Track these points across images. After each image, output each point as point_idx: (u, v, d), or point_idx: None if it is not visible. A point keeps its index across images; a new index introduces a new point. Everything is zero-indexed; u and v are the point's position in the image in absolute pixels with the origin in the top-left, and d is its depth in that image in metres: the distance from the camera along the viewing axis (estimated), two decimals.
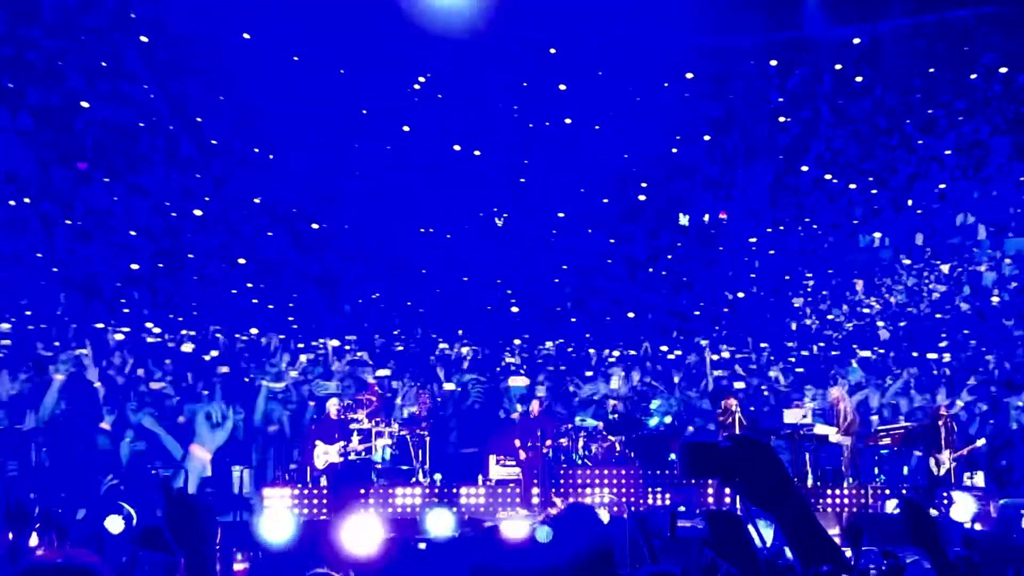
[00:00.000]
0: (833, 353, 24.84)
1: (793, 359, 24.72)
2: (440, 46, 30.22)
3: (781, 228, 30.78)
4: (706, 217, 31.36)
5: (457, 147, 31.37)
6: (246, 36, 31.92)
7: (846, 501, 14.56)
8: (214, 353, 21.58)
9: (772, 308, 28.04)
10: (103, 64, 29.07)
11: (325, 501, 13.71)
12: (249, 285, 25.24)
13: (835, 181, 31.56)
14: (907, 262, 28.98)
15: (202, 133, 29.27)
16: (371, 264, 27.34)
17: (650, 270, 29.39)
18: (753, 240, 30.57)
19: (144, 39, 30.47)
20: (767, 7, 34.17)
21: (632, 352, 24.84)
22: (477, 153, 31.62)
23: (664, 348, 25.23)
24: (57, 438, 15.03)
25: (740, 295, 28.63)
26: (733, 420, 15.29)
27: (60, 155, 25.97)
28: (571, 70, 32.52)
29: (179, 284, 24.53)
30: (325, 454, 14.40)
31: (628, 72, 32.17)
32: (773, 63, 35.12)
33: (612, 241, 29.92)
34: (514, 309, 26.85)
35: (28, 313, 21.03)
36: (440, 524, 11.20)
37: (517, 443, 15.03)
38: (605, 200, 31.22)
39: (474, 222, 30.17)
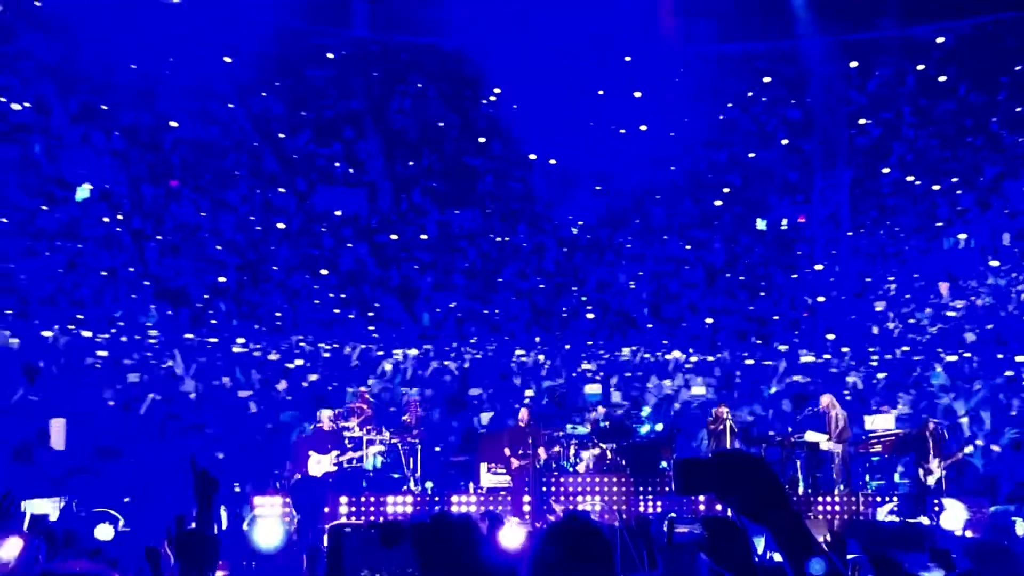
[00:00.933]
0: (916, 357, 24.45)
1: (875, 363, 24.42)
2: (510, 53, 30.60)
3: (861, 231, 30.37)
4: (784, 222, 31.09)
5: (533, 156, 31.70)
6: (329, 56, 32.78)
7: (837, 508, 14.46)
8: (299, 362, 22.22)
9: (853, 312, 27.68)
10: (190, 86, 30.09)
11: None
12: (331, 296, 25.85)
13: (918, 183, 31.02)
14: (994, 263, 28.34)
15: (284, 149, 30.09)
16: (448, 273, 27.76)
17: (727, 275, 29.25)
18: (832, 243, 30.23)
19: (227, 59, 31.45)
20: (845, 9, 33.81)
21: (710, 358, 24.81)
22: (553, 161, 31.90)
23: (744, 354, 25.17)
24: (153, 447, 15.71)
25: (820, 299, 28.33)
26: (724, 428, 15.26)
27: (150, 173, 26.96)
28: (646, 77, 32.59)
29: (264, 295, 25.25)
30: (318, 464, 14.59)
31: (704, 78, 32.12)
32: (853, 64, 34.71)
33: (688, 247, 29.86)
34: (589, 316, 26.99)
35: (121, 324, 21.89)
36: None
37: (507, 452, 15.02)
38: (682, 206, 31.19)
39: (550, 229, 30.41)
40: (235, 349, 22.33)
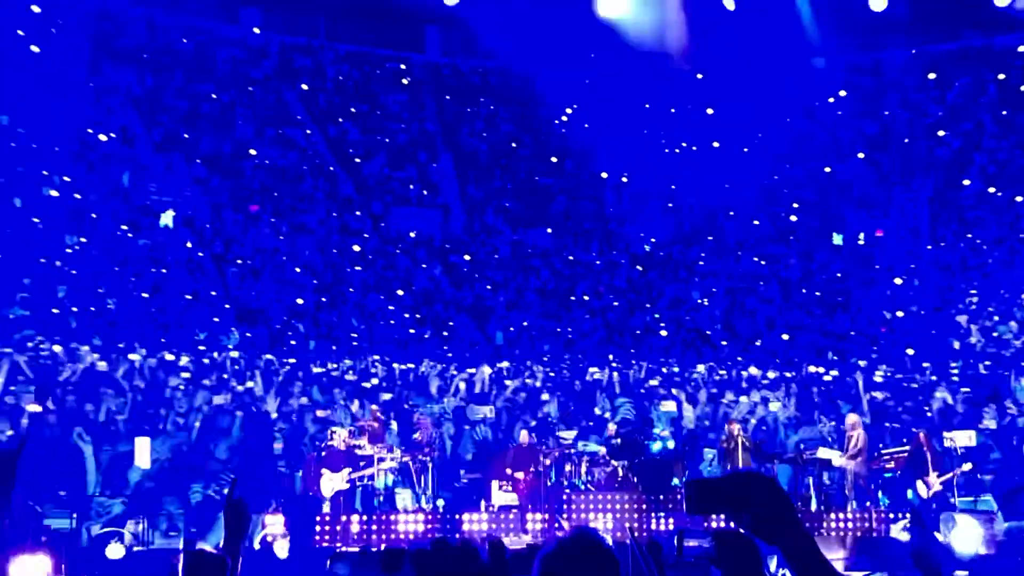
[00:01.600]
0: (1002, 372, 23.90)
1: (956, 378, 23.94)
2: (581, 73, 30.82)
3: (942, 244, 29.82)
4: (861, 236, 30.67)
5: (604, 174, 31.83)
6: (404, 81, 33.39)
7: (850, 525, 14.22)
8: (375, 381, 22.58)
9: (933, 326, 27.17)
10: (268, 112, 30.91)
11: (327, 528, 13.75)
12: (406, 316, 26.23)
13: (999, 194, 30.39)
14: None
15: (360, 173, 30.69)
16: (521, 293, 27.96)
17: (803, 291, 28.95)
18: (912, 257, 29.72)
19: (305, 87, 32.25)
20: (922, 20, 33.37)
21: (789, 374, 24.56)
22: (625, 179, 31.99)
23: (820, 369, 24.86)
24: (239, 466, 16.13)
25: (899, 314, 27.87)
26: (736, 445, 15.10)
27: (231, 199, 27.73)
28: (718, 93, 32.54)
29: (340, 316, 25.72)
30: (331, 482, 14.66)
31: (778, 92, 31.93)
32: (932, 76, 34.21)
33: (763, 263, 29.63)
34: (663, 333, 26.94)
35: (202, 348, 22.49)
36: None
37: (509, 471, 15.01)
38: (756, 222, 30.99)
39: (622, 247, 30.46)
40: (314, 369, 22.77)
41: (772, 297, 28.76)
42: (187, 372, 20.52)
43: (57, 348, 19.69)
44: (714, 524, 12.93)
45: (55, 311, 21.41)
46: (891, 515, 14.57)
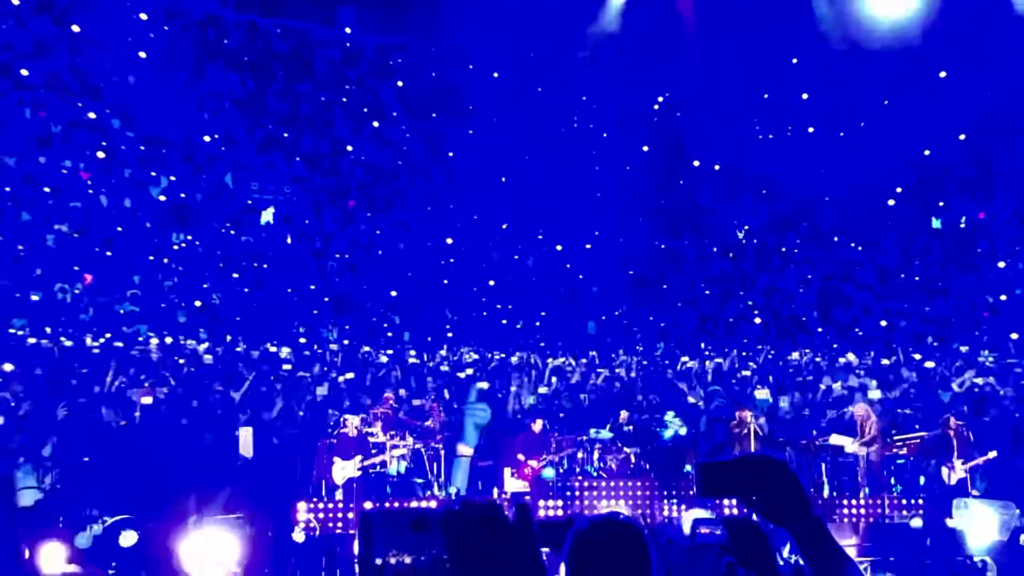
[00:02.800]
0: None
1: None
2: (675, 59, 30.73)
3: None
4: (963, 220, 29.96)
5: (696, 162, 31.72)
6: (495, 75, 33.74)
7: (863, 512, 13.93)
8: (469, 371, 23.01)
9: None
10: (365, 110, 31.64)
11: (340, 515, 13.75)
12: (498, 307, 26.64)
13: None
14: None
15: (453, 168, 31.19)
16: (612, 281, 28.10)
17: (902, 276, 28.44)
18: (1017, 240, 28.90)
19: (400, 84, 32.88)
20: None
21: (885, 361, 24.21)
22: (717, 167, 31.82)
23: (918, 356, 24.42)
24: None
25: (1002, 298, 27.18)
26: (748, 432, 14.89)
27: (329, 196, 28.53)
28: (813, 78, 32.09)
29: (437, 308, 26.27)
30: (343, 469, 14.73)
31: (875, 77, 31.35)
32: None
33: (859, 248, 29.19)
34: (757, 320, 26.81)
35: (303, 341, 23.26)
36: None
37: (521, 457, 15.00)
38: (852, 207, 30.52)
39: (714, 236, 30.34)
40: (410, 360, 23.31)
41: (870, 283, 28.33)
42: (288, 364, 21.24)
43: (167, 340, 20.63)
44: (727, 512, 13.01)
45: (163, 306, 22.39)
46: (904, 501, 14.39)
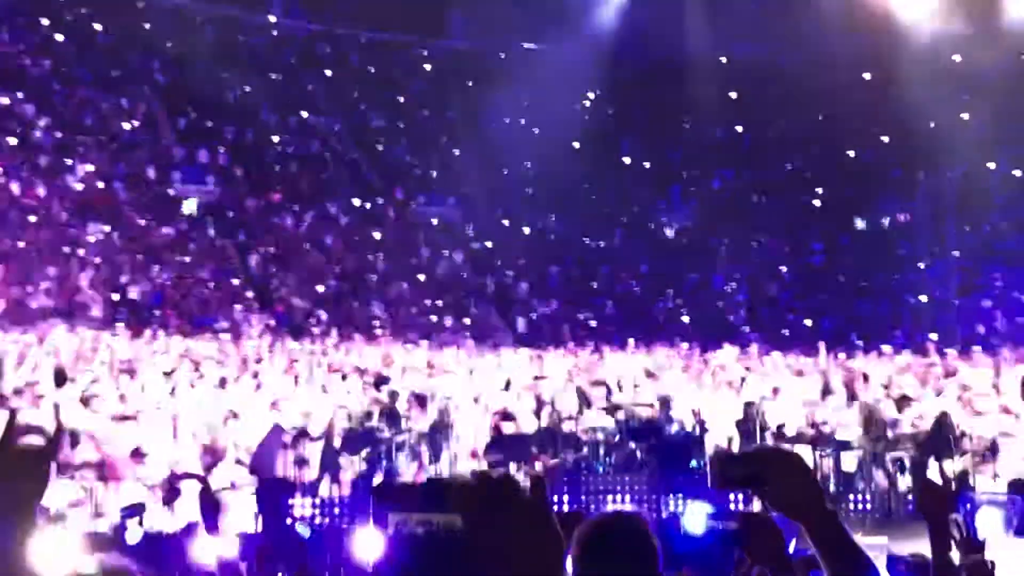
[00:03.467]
0: None
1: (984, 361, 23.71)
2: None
3: (967, 228, 29.52)
4: (886, 220, 30.45)
5: (627, 159, 31.71)
6: (426, 67, 33.40)
7: (868, 507, 14.14)
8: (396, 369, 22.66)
9: (957, 311, 26.96)
10: (292, 100, 31.01)
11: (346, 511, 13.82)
12: (428, 303, 26.30)
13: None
14: None
15: (382, 160, 30.78)
16: (544, 279, 27.98)
17: (825, 275, 28.79)
18: (936, 242, 29.46)
19: (328, 73, 32.32)
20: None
21: (808, 360, 24.43)
22: (647, 164, 31.86)
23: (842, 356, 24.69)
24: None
25: (923, 298, 27.68)
26: (754, 426, 15.00)
27: (253, 187, 27.88)
28: (740, 78, 32.30)
29: (363, 304, 25.84)
30: (351, 464, 14.70)
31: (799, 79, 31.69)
32: (956, 58, 33.78)
33: (786, 248, 29.50)
34: (685, 319, 26.87)
35: (227, 337, 22.64)
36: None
37: (535, 450, 14.96)
38: (778, 207, 30.80)
39: (644, 233, 30.40)
40: (335, 356, 22.87)
41: (794, 282, 28.64)
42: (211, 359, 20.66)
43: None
44: (732, 507, 12.96)
45: (78, 299, 21.60)
46: (909, 496, 14.49)
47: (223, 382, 18.55)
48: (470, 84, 33.91)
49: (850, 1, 32.31)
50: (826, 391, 20.51)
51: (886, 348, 25.25)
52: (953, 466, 14.47)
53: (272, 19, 33.33)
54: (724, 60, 34.15)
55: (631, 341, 25.13)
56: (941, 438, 14.59)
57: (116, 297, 22.54)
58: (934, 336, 26.04)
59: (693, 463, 14.96)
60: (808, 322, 27.24)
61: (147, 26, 30.88)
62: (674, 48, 32.91)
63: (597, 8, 31.27)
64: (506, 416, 16.04)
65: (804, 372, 22.65)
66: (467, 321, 26.12)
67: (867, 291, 28.35)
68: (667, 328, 26.52)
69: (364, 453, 14.78)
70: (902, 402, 18.28)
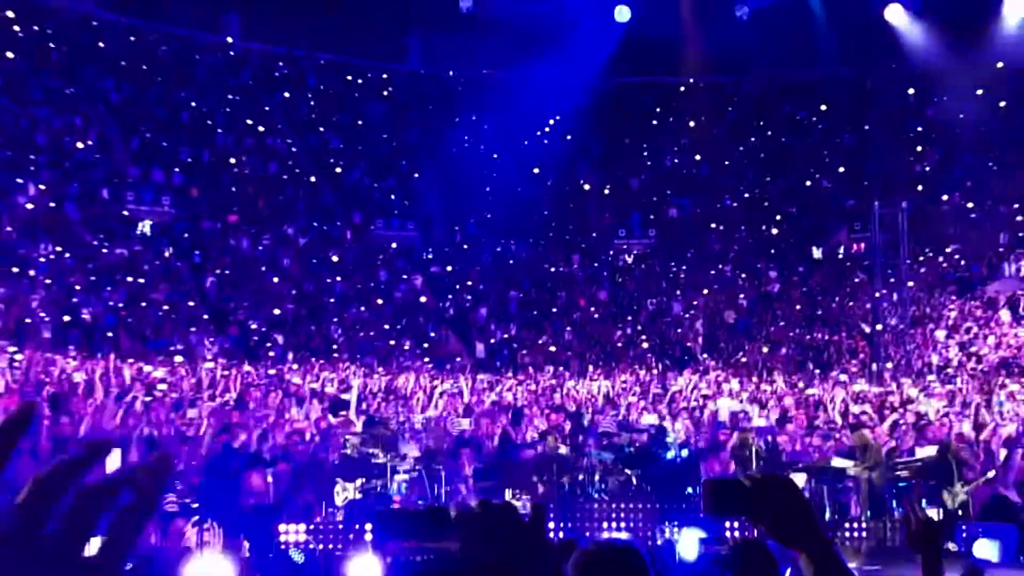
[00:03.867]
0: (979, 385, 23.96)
1: (938, 390, 23.98)
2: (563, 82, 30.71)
3: (921, 259, 29.92)
4: (840, 250, 30.77)
5: (587, 185, 31.76)
6: (386, 92, 33.28)
7: (864, 535, 14.17)
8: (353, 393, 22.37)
9: (912, 340, 27.24)
10: (248, 121, 30.70)
11: (340, 536, 13.69)
12: (386, 327, 26.06)
13: (977, 209, 30.57)
14: None
15: (341, 182, 30.54)
16: (503, 304, 27.87)
17: (784, 303, 28.98)
18: (891, 271, 29.80)
19: (287, 95, 32.07)
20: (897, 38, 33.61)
21: (766, 388, 24.53)
22: (607, 191, 31.91)
23: (801, 385, 24.83)
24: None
25: (878, 327, 27.93)
26: (750, 453, 15.02)
27: (210, 208, 27.49)
28: (692, 103, 32.62)
29: (320, 327, 25.53)
30: (344, 491, 14.56)
31: (759, 107, 32.04)
32: (911, 92, 34.43)
33: (743, 276, 29.67)
34: (644, 345, 26.90)
35: (179, 360, 22.23)
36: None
37: (535, 478, 14.87)
38: (735, 235, 31.02)
39: (604, 259, 30.42)
40: (293, 380, 22.55)
41: (752, 310, 28.78)
42: (163, 384, 20.27)
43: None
44: (727, 534, 12.88)
45: (28, 321, 21.13)
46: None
47: (177, 405, 18.34)
48: (430, 108, 33.88)
49: (805, 32, 32.86)
50: (783, 419, 20.73)
51: (842, 376, 25.53)
52: (954, 495, 14.47)
53: (229, 40, 33.01)
54: (683, 89, 34.50)
55: (590, 367, 25.19)
56: (944, 467, 14.58)
57: (67, 319, 22.04)
58: (889, 365, 26.36)
59: (688, 490, 14.92)
60: (765, 349, 27.40)
61: (101, 44, 30.50)
62: (634, 76, 33.19)
63: (558, 36, 31.32)
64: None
65: (762, 399, 22.94)
66: (425, 345, 25.94)
67: (823, 319, 28.59)
68: (626, 354, 26.54)
69: (359, 482, 14.62)
70: (857, 429, 18.45)
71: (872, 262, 30.07)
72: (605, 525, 13.66)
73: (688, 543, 10.18)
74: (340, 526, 13.80)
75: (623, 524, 13.78)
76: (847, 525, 14.35)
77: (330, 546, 13.38)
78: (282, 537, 13.44)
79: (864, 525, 14.34)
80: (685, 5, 31.75)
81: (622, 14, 31.71)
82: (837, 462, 15.18)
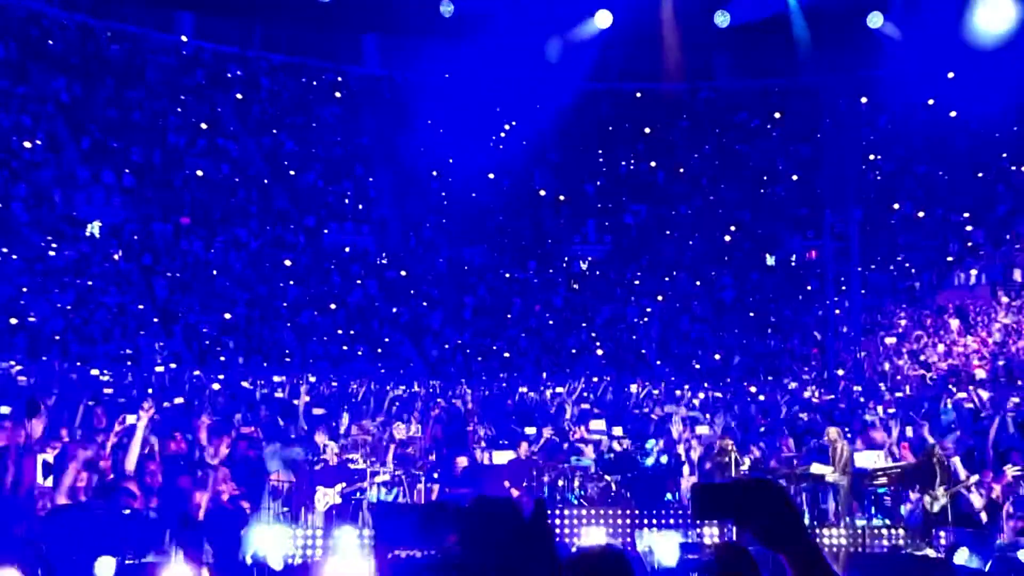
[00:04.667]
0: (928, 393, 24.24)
1: (887, 398, 24.22)
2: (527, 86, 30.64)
3: (872, 267, 30.25)
4: (793, 257, 31.03)
5: (543, 192, 31.74)
6: (338, 94, 33.03)
7: (843, 541, 14.29)
8: (305, 399, 22.16)
9: (863, 348, 27.52)
10: (202, 124, 30.33)
11: (320, 542, 13.65)
12: (340, 332, 25.86)
13: (928, 218, 30.95)
14: (1005, 299, 28.19)
15: (295, 186, 30.24)
16: (458, 310, 27.77)
17: (737, 311, 29.15)
18: (843, 279, 30.10)
19: (240, 96, 31.71)
20: (854, 45, 33.90)
21: (718, 394, 24.65)
22: (562, 198, 31.88)
23: (753, 389, 24.98)
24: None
25: (830, 335, 28.18)
26: (730, 460, 15.10)
27: (161, 210, 27.13)
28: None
29: (273, 332, 25.28)
30: (325, 496, 14.51)
31: (714, 115, 32.22)
32: (864, 100, 34.77)
33: (698, 283, 29.80)
34: (599, 352, 26.93)
35: (130, 364, 21.92)
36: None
37: (507, 484, 14.87)
38: (690, 242, 31.14)
39: (559, 266, 30.42)
40: (244, 384, 22.30)
41: (706, 317, 28.92)
42: (109, 388, 19.96)
43: None
44: (707, 540, 12.89)
45: None
46: (883, 531, 14.56)
47: (122, 411, 18.04)
48: (384, 112, 33.67)
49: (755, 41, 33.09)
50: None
51: (792, 384, 25.73)
52: (935, 499, 14.52)
53: (184, 38, 32.60)
54: (639, 95, 34.61)
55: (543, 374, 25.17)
56: (926, 470, 14.63)
57: (14, 321, 21.65)
58: (840, 372, 26.61)
59: (668, 496, 14.95)
60: (717, 356, 27.54)
61: (51, 43, 30.00)
62: (589, 82, 33.24)
63: (515, 42, 31.25)
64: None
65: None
66: (379, 351, 25.77)
67: (775, 326, 28.79)
68: (580, 360, 26.55)
69: (339, 487, 14.52)
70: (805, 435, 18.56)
71: (824, 270, 30.37)
72: (584, 531, 13.66)
73: (667, 548, 10.19)
74: (319, 531, 13.77)
75: (601, 530, 13.80)
76: (825, 532, 14.43)
77: (309, 552, 13.37)
78: (257, 543, 13.29)
79: (843, 531, 14.43)
80: (666, 13, 31.63)
81: (604, 19, 31.53)
82: (816, 468, 15.23)
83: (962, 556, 11.53)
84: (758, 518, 2.24)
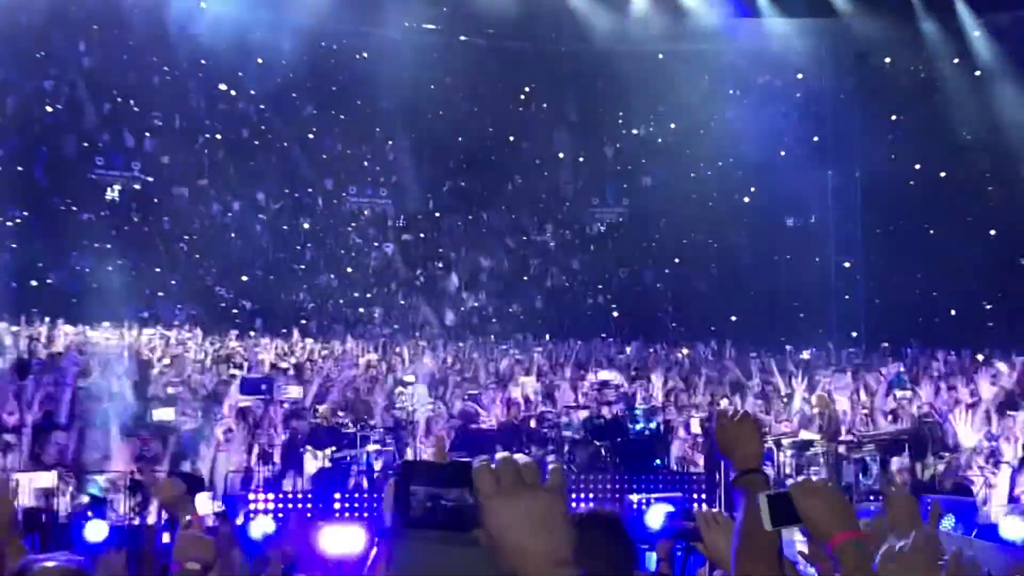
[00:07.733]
0: None
1: None
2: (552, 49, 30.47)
3: (877, 231, 29.91)
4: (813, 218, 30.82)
5: (561, 154, 31.63)
6: (359, 56, 32.96)
7: None
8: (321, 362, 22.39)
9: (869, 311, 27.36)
10: (222, 86, 30.46)
11: (310, 505, 13.72)
12: (356, 295, 26.09)
13: None
14: None
15: (314, 149, 30.36)
16: (475, 273, 27.89)
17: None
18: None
19: (260, 60, 31.76)
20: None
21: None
22: (581, 159, 31.81)
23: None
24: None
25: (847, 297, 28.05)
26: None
27: (180, 173, 27.36)
28: (674, 72, 32.37)
29: (290, 294, 25.55)
30: (315, 459, 14.61)
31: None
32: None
33: (715, 244, 29.66)
34: (615, 314, 26.98)
35: (149, 324, 22.25)
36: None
37: (499, 448, 14.91)
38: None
39: (575, 228, 30.41)
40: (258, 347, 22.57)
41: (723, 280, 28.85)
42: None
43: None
44: (695, 507, 12.92)
45: None
46: (871, 497, 14.56)
47: (143, 369, 18.35)
48: (405, 75, 33.55)
49: None
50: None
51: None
52: (926, 466, 14.47)
53: (203, 5, 32.60)
54: (660, 56, 34.25)
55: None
56: (920, 436, 14.58)
57: (34, 283, 22.05)
58: (854, 334, 26.49)
59: (656, 462, 15.01)
60: (734, 318, 27.46)
61: (73, 8, 30.15)
62: (609, 42, 32.95)
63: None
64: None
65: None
66: (395, 313, 25.99)
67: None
68: (595, 323, 26.63)
69: (329, 451, 14.61)
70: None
71: (829, 232, 30.08)
72: (573, 496, 13.73)
73: (655, 517, 10.34)
74: (310, 495, 13.90)
75: (591, 496, 13.86)
76: None
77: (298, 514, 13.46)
78: (250, 506, 13.46)
79: None
80: None
81: None
82: (804, 434, 15.23)
83: (947, 523, 11.56)
84: (816, 515, 2.48)
